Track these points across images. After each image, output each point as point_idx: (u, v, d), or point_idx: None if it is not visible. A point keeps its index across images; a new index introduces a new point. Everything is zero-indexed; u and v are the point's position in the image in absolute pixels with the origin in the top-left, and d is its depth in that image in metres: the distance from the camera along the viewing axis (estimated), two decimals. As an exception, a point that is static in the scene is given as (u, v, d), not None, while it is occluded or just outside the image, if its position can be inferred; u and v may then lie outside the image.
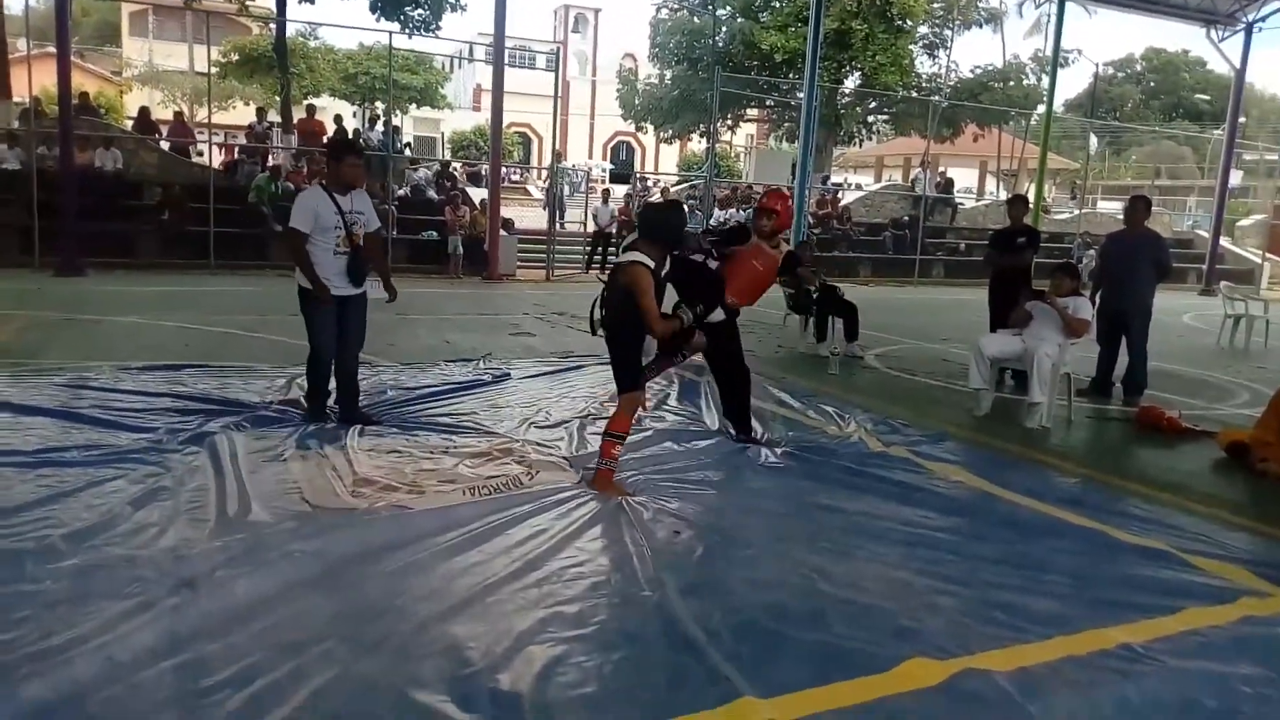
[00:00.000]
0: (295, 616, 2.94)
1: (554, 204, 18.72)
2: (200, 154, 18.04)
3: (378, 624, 2.92)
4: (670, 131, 30.52)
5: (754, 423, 5.60)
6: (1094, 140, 35.11)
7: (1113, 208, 27.64)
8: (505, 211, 17.30)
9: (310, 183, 16.10)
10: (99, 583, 3.09)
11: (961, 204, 25.29)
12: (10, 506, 3.73)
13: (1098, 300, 7.70)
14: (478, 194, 18.50)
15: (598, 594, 3.21)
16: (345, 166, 5.28)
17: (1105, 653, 2.94)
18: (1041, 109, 22.73)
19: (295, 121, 19.65)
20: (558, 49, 21.23)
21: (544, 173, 23.42)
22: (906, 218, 22.07)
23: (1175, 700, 2.72)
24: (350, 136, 17.60)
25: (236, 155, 18.42)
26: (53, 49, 14.44)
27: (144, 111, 18.12)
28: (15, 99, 17.23)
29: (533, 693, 2.53)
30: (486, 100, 20.58)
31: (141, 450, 4.62)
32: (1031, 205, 13.31)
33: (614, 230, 18.71)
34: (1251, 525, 4.46)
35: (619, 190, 21.59)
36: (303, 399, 5.67)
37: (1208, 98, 43.84)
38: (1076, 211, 25.26)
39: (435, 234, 16.67)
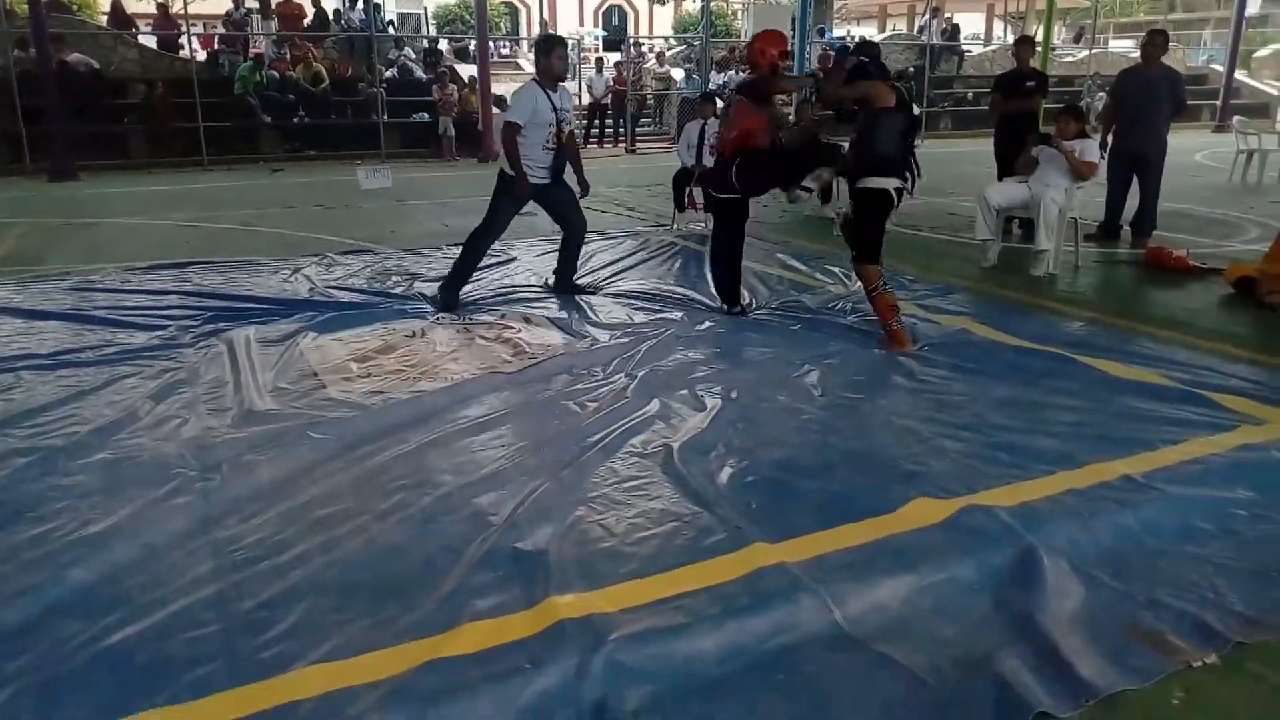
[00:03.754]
0: (321, 495, 3.04)
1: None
2: (182, 47, 17.50)
3: (402, 496, 3.03)
4: (663, -8, 29.30)
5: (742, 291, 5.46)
6: (1105, -26, 33.53)
7: (1125, 46, 26.66)
8: (496, 88, 16.84)
9: (296, 69, 15.74)
10: (128, 473, 3.20)
11: (969, 51, 24.41)
12: (35, 407, 3.82)
13: (1109, 141, 7.54)
14: (467, 71, 17.97)
15: (610, 458, 3.30)
16: (555, 59, 5.44)
17: (1106, 484, 3.02)
18: (1049, -57, 21.59)
19: (274, 5, 18.94)
20: (540, -91, 20.16)
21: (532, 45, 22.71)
22: (912, 69, 21.38)
23: (1173, 525, 2.81)
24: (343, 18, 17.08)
25: (217, 45, 17.85)
26: (15, -57, 13.85)
27: (117, 5, 17.47)
28: (-17, 0, 16.62)
29: (555, 550, 2.64)
30: (469, -30, 19.74)
31: (155, 347, 4.69)
32: (1039, 48, 12.84)
33: (608, 101, 18.24)
34: (1255, 357, 4.48)
35: (613, 58, 20.88)
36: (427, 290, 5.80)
37: (1226, -80, 41.51)
38: (1087, 52, 24.38)
39: (426, 115, 16.31)
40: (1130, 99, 7.49)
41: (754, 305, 5.49)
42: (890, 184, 4.59)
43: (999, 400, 3.86)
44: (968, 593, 2.47)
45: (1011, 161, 7.14)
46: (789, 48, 4.98)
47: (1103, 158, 7.06)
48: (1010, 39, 26.28)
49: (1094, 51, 24.21)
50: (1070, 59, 24.71)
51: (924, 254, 7.25)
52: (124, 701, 2.04)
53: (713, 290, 5.55)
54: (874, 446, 3.39)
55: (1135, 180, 7.44)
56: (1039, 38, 13.69)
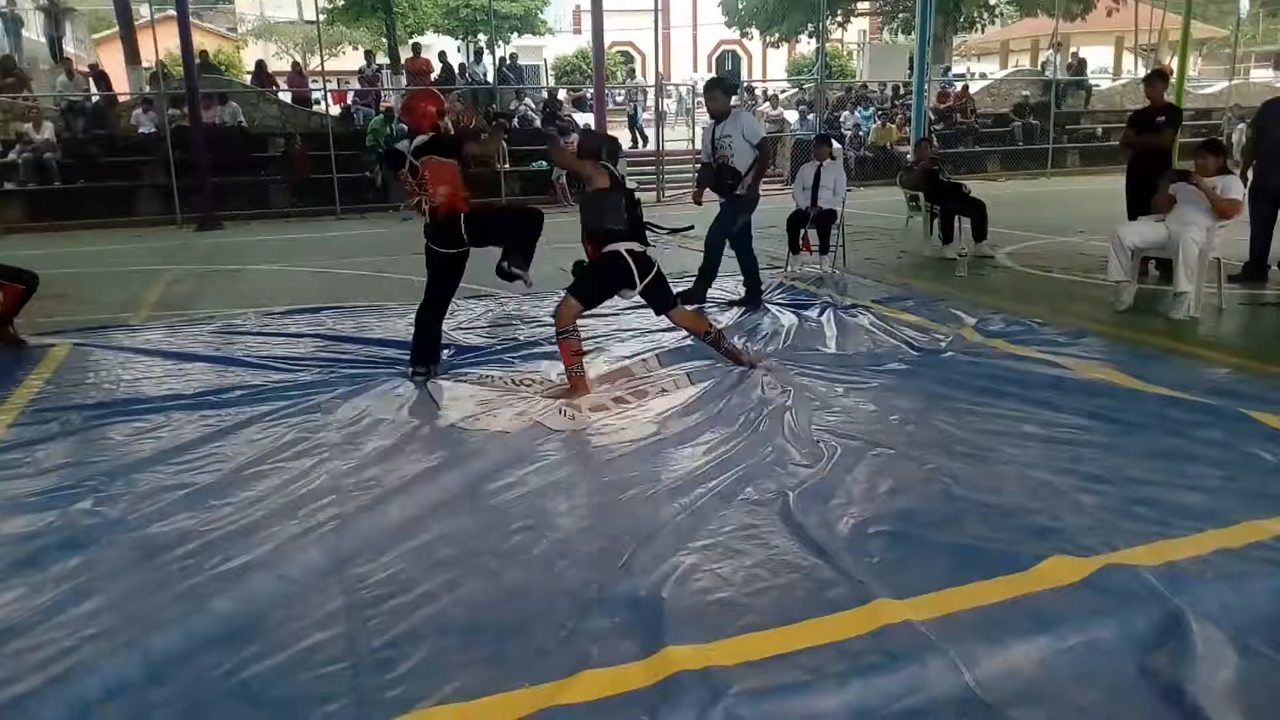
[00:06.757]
0: (446, 534, 3.13)
1: (635, 124, 18.48)
2: (318, 102, 18.59)
3: (522, 538, 3.08)
4: (777, 35, 29.42)
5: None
6: (1244, 2, 31.96)
7: (1268, 76, 25.27)
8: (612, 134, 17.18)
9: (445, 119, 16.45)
10: (266, 510, 3.35)
11: (1096, 85, 23.61)
12: (182, 444, 4.06)
13: (1251, 176, 7.13)
14: (584, 119, 18.43)
15: (727, 504, 3.27)
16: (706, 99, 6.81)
17: (1260, 544, 2.81)
18: (1183, -28, 20.77)
19: (403, 62, 19.94)
20: (655, -41, 20.61)
21: (649, 92, 23.11)
22: (1034, 103, 20.80)
23: (1341, 591, 2.59)
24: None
25: (350, 100, 18.88)
26: (173, 12, 15.01)
27: (260, 65, 18.72)
28: (144, 64, 18.07)
29: (670, 598, 2.62)
30: (587, 21, 20.32)
31: (292, 388, 4.92)
32: (1173, 81, 12.31)
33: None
34: None
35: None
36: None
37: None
38: (1226, 83, 23.23)
39: (545, 164, 16.75)
40: (1275, 131, 7.07)
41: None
42: (622, 247, 4.79)
43: (1139, 451, 3.66)
44: (1109, 658, 2.32)
45: (1143, 199, 6.83)
46: (445, 104, 5.23)
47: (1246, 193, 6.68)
48: (1142, 72, 25.30)
49: (1234, 82, 23.04)
50: (1207, 90, 23.58)
51: (1054, 296, 6.98)
52: (260, 733, 2.12)
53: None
54: (1004, 499, 3.25)
55: (1282, 217, 7.00)
56: (1174, 68, 13.15)
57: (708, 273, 6.91)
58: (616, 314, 6.62)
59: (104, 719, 2.18)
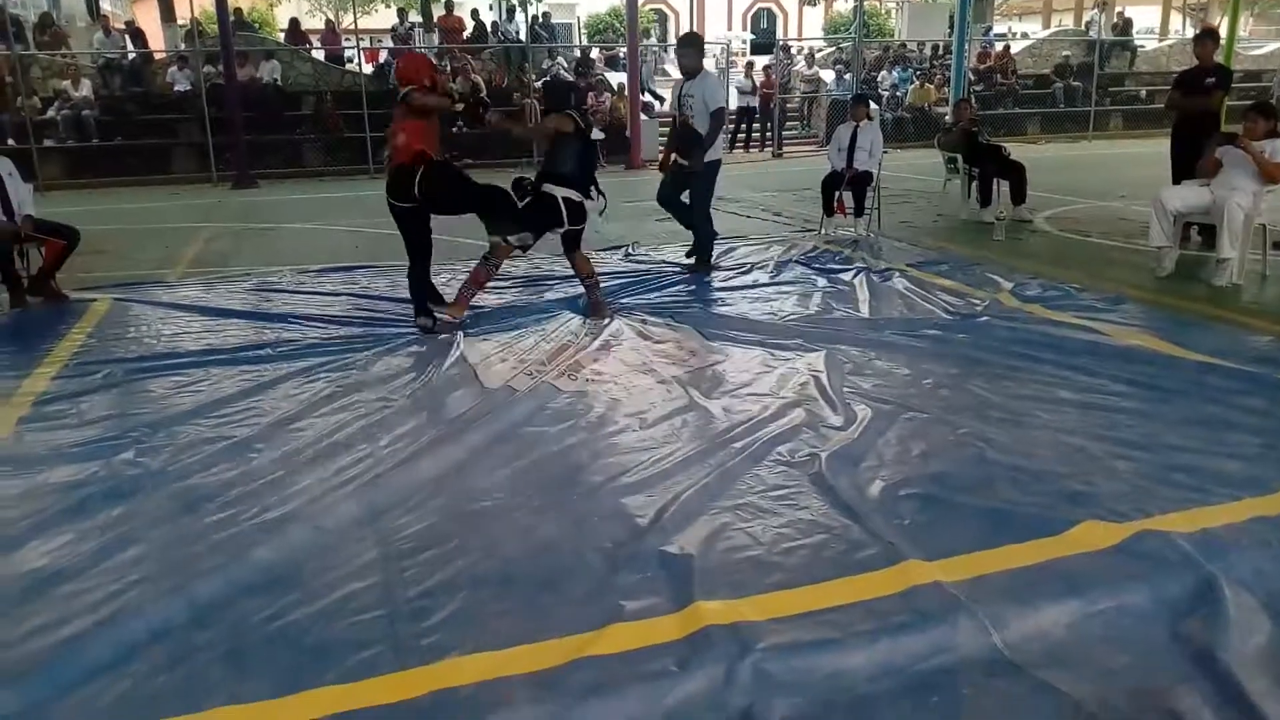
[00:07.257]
0: (478, 488, 3.18)
1: (644, 89, 18.18)
2: (350, 60, 18.55)
3: (555, 493, 3.12)
4: (813, -7, 28.91)
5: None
6: (1302, -41, 30.89)
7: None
8: (644, 95, 17.03)
9: (455, 80, 16.38)
10: (303, 462, 3.41)
11: (1142, 46, 22.97)
12: (222, 398, 4.14)
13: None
14: (617, 78, 18.26)
15: (757, 465, 3.28)
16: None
17: (1300, 513, 2.78)
18: (1238, -73, 20.05)
19: (435, 19, 19.83)
20: (691, -85, 20.25)
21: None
22: (1076, 64, 20.29)
23: (1379, 560, 2.56)
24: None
25: (383, 59, 18.82)
26: (208, -32, 15.04)
27: (294, 22, 18.69)
28: (179, 22, 18.13)
29: (701, 555, 2.65)
30: (621, -21, 20.03)
31: (327, 345, 4.99)
32: (1223, 41, 11.95)
33: (755, 105, 18.15)
34: None
35: (761, 61, 20.72)
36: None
37: None
38: (1278, 44, 22.51)
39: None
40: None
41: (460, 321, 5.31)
42: (561, 193, 5.28)
43: (1177, 418, 3.61)
44: (1140, 623, 2.32)
45: (1187, 163, 6.67)
46: (435, 72, 5.54)
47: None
48: (1190, 33, 24.59)
49: (1287, 42, 22.34)
50: (1258, 52, 22.87)
51: (1093, 261, 6.86)
52: (298, 677, 2.18)
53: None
54: (1038, 464, 3.23)
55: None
56: (1225, 28, 12.74)
57: (704, 242, 6.81)
58: (638, 278, 6.62)
59: (149, 660, 2.25)
